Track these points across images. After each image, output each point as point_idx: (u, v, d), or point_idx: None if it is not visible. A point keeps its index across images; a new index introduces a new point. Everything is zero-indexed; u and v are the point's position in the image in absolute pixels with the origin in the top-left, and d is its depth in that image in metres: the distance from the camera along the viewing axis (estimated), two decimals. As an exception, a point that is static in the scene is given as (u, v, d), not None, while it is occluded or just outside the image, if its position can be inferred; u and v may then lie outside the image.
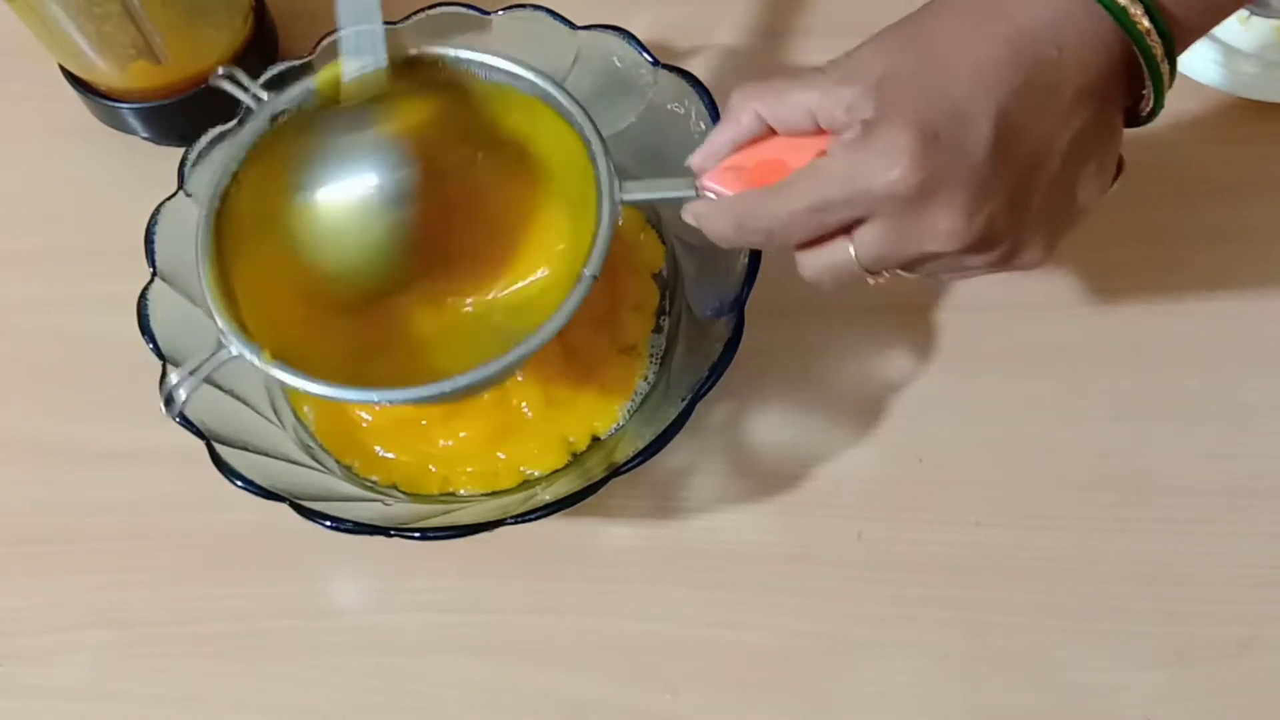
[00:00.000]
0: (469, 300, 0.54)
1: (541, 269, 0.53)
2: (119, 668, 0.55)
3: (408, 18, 0.57)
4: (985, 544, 0.55)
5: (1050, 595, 0.54)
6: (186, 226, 0.54)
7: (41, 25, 0.58)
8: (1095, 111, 0.43)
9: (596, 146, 0.50)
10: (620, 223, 0.49)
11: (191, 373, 0.47)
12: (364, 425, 0.57)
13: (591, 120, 0.50)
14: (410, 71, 0.52)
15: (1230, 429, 0.57)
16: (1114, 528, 0.55)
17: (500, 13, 0.58)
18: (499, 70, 0.52)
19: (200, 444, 0.50)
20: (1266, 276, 0.60)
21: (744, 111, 0.46)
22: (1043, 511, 0.56)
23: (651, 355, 0.58)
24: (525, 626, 0.55)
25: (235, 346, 0.48)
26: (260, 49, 0.64)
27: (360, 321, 0.53)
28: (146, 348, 0.52)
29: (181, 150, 0.55)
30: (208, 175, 0.52)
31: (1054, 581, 0.54)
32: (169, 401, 0.48)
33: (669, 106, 0.57)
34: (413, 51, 0.51)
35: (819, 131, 0.45)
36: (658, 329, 0.59)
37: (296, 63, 0.53)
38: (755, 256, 0.53)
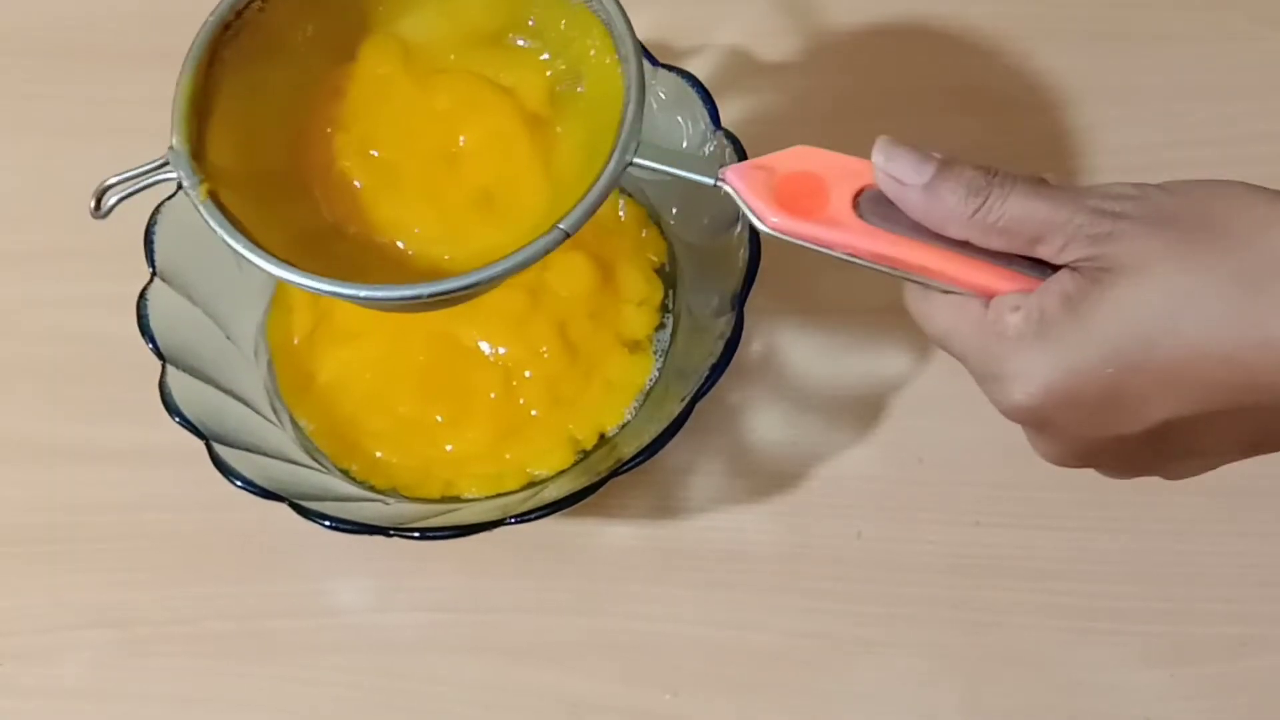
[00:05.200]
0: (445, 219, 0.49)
1: (530, 203, 0.48)
2: (119, 668, 0.55)
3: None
4: (985, 544, 0.55)
5: (1050, 595, 0.54)
6: (187, 226, 0.54)
7: None
8: (1273, 429, 0.37)
9: (634, 94, 0.44)
10: (618, 185, 0.44)
11: (125, 181, 0.44)
12: (366, 431, 0.56)
13: (641, 69, 0.45)
14: None
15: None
16: (1114, 528, 0.55)
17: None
18: None
19: (200, 444, 0.50)
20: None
21: (951, 184, 0.38)
22: (1043, 511, 0.55)
23: (657, 352, 0.58)
24: (525, 626, 0.55)
25: (178, 167, 0.44)
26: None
27: (322, 205, 0.48)
28: (146, 348, 0.52)
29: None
30: None
31: (1054, 581, 0.54)
32: (97, 205, 0.44)
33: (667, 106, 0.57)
34: None
35: (1019, 254, 0.38)
36: (661, 325, 0.59)
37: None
38: (755, 256, 0.53)
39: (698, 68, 0.61)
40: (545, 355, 0.56)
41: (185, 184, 0.44)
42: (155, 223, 0.54)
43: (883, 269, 0.39)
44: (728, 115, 0.56)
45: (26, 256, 0.63)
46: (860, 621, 0.54)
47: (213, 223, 0.43)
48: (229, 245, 0.43)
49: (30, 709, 0.54)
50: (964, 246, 0.38)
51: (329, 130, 0.49)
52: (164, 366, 0.52)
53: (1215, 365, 0.34)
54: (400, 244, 0.47)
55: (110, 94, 0.67)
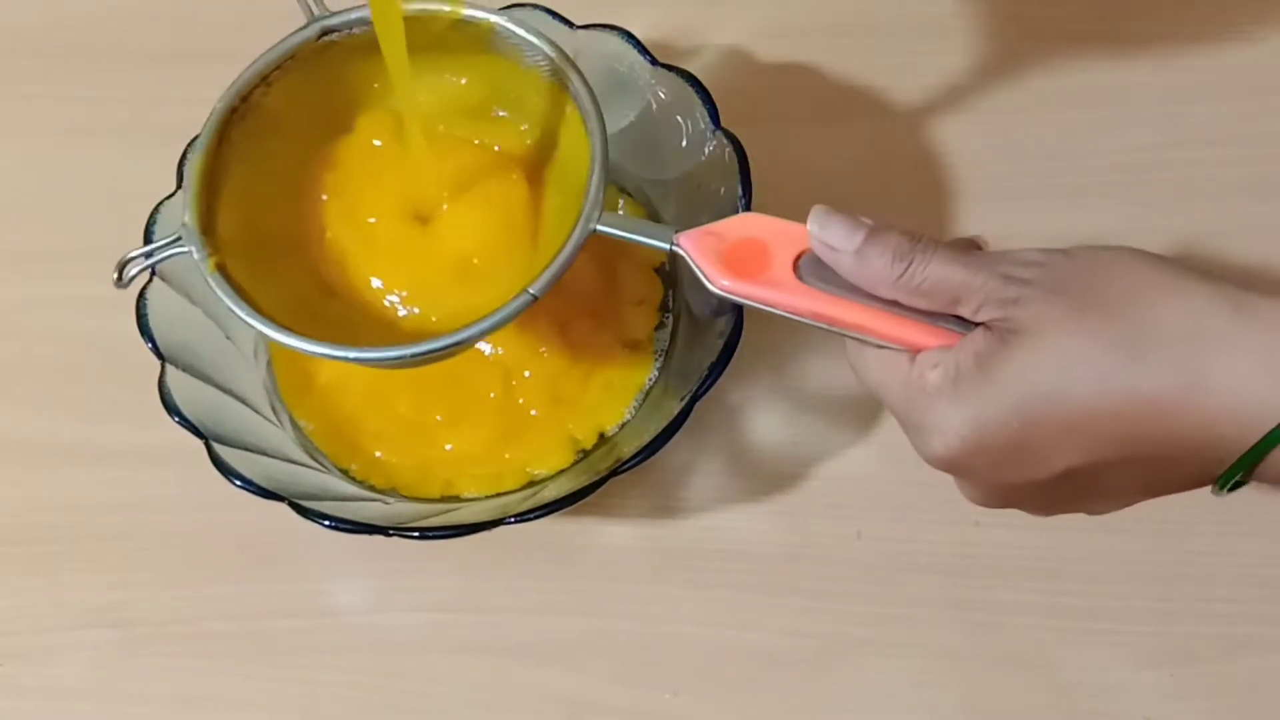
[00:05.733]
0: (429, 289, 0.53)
1: (507, 270, 0.51)
2: (119, 668, 0.55)
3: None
4: (985, 544, 0.55)
5: (1050, 595, 0.54)
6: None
7: None
8: (1163, 476, 0.40)
9: (598, 166, 0.49)
10: (580, 251, 0.48)
11: (145, 254, 0.48)
12: (366, 432, 0.57)
13: (605, 142, 0.49)
14: (459, 30, 0.52)
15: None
16: (1113, 528, 0.55)
17: (499, 12, 0.58)
18: (545, 56, 0.51)
19: (200, 444, 0.50)
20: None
21: (878, 250, 0.41)
22: (1043, 511, 0.55)
23: (656, 351, 0.58)
24: (525, 626, 0.55)
25: (189, 242, 0.48)
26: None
27: (317, 269, 0.53)
28: (146, 347, 0.52)
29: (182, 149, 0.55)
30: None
31: (1054, 581, 0.54)
32: (119, 278, 0.48)
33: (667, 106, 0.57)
34: (465, 13, 0.51)
35: (942, 312, 0.41)
36: (661, 325, 0.59)
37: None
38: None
39: (698, 68, 0.61)
40: (545, 355, 0.56)
41: (196, 257, 0.48)
42: (155, 222, 0.54)
43: (822, 326, 0.43)
44: (727, 115, 0.56)
45: (26, 256, 0.63)
46: (860, 621, 0.54)
47: (220, 293, 0.47)
48: (234, 312, 0.47)
49: (30, 709, 0.54)
50: (894, 305, 0.42)
51: (324, 198, 0.53)
52: (163, 366, 0.52)
53: (1105, 420, 0.37)
54: (388, 305, 0.51)
55: (110, 94, 0.67)
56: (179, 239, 0.48)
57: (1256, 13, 0.66)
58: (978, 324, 0.40)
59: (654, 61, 0.56)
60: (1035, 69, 0.65)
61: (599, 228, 0.47)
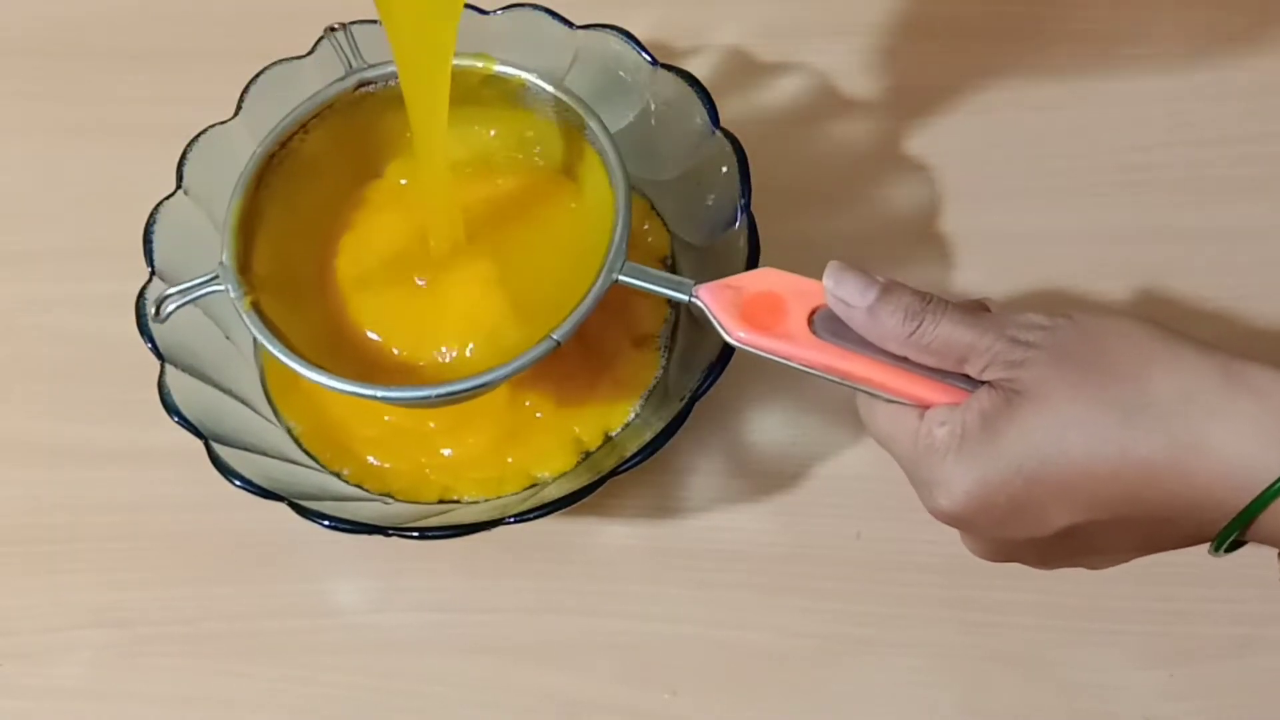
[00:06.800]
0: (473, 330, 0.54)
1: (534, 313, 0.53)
2: (118, 668, 0.55)
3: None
4: (985, 544, 0.55)
5: (1050, 595, 0.54)
6: (186, 226, 0.55)
7: None
8: (1159, 535, 0.41)
9: (622, 219, 0.51)
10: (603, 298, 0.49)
11: (182, 292, 0.50)
12: (356, 436, 0.56)
13: (629, 194, 0.51)
14: (489, 85, 0.55)
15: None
16: (1114, 527, 0.55)
17: (499, 12, 0.58)
18: (573, 113, 0.54)
19: (199, 444, 0.50)
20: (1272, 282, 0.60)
21: (890, 308, 0.42)
22: (1043, 511, 0.55)
23: (661, 348, 0.58)
24: (524, 626, 0.55)
25: (226, 280, 0.50)
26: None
27: (343, 305, 0.55)
28: (146, 347, 0.52)
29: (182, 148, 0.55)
30: (207, 172, 0.54)
31: (1053, 581, 0.54)
32: (155, 313, 0.51)
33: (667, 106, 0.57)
34: (497, 69, 0.54)
35: (950, 370, 0.42)
36: (665, 321, 0.58)
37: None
38: (753, 256, 0.53)
39: (698, 68, 0.61)
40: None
41: (232, 295, 0.50)
42: (154, 222, 0.54)
43: (834, 379, 0.44)
44: (727, 115, 0.56)
45: (26, 256, 0.63)
46: (860, 621, 0.54)
47: (254, 330, 0.50)
48: (269, 350, 0.49)
49: (30, 709, 0.54)
50: (904, 361, 0.43)
51: (351, 240, 0.55)
52: (163, 366, 0.52)
53: (1101, 481, 0.39)
54: (410, 346, 0.53)
55: (110, 94, 0.67)
56: (215, 277, 0.50)
57: (1257, 12, 0.66)
58: (983, 382, 0.42)
59: (654, 61, 0.56)
60: (1035, 69, 0.65)
61: (621, 278, 0.49)
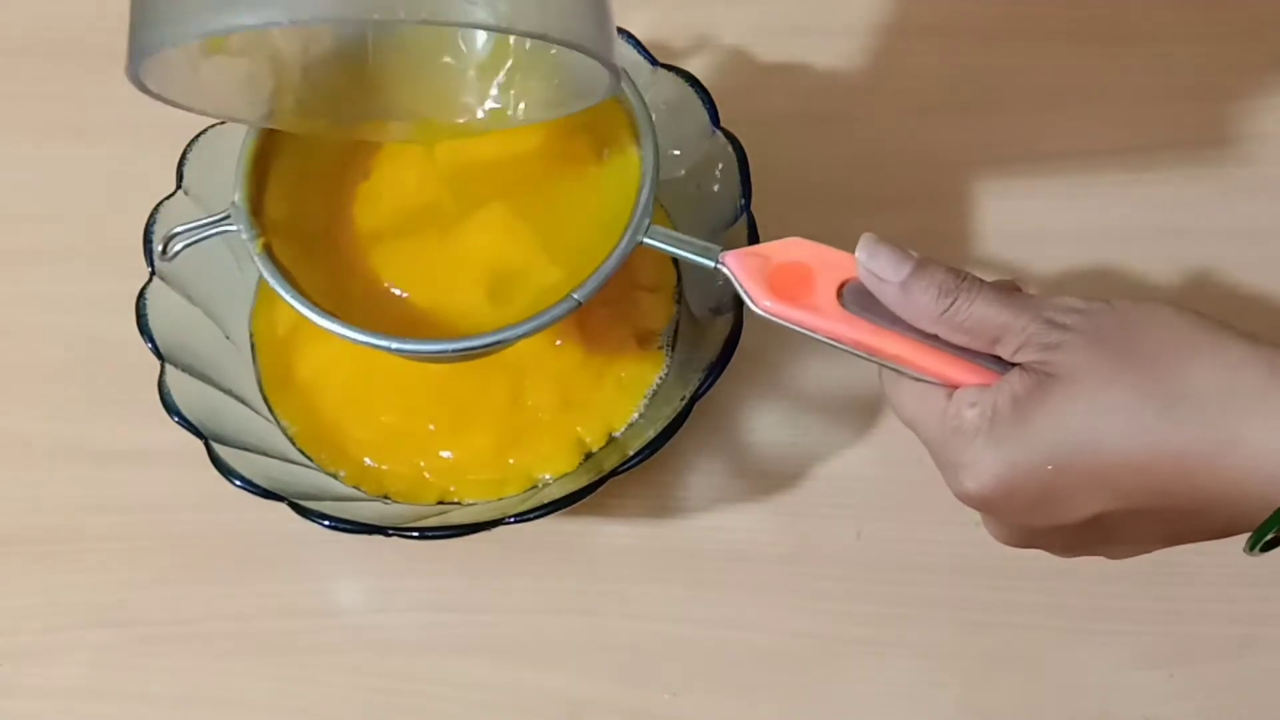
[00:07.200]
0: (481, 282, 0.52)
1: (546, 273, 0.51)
2: (119, 668, 0.55)
3: (407, 17, 0.57)
4: (985, 544, 0.54)
5: (1050, 595, 0.54)
6: (186, 226, 0.54)
7: None
8: (1187, 527, 0.41)
9: (649, 179, 0.49)
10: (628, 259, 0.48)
11: (191, 230, 0.48)
12: (351, 438, 0.56)
13: (656, 154, 0.50)
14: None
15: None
16: (1114, 527, 0.55)
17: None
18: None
19: (199, 444, 0.50)
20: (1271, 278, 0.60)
21: (924, 284, 0.42)
22: (1043, 511, 0.55)
23: (665, 346, 0.57)
24: (524, 626, 0.55)
25: (238, 221, 0.48)
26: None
27: (356, 254, 0.53)
28: (146, 347, 0.52)
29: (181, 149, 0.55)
30: (207, 172, 0.53)
31: (1053, 581, 0.54)
32: (164, 250, 0.49)
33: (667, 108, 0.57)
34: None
35: (981, 350, 0.42)
36: (670, 319, 0.58)
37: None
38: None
39: (698, 68, 0.61)
40: (560, 349, 0.56)
41: (245, 236, 0.48)
42: (154, 222, 0.54)
43: (861, 354, 0.43)
44: (727, 115, 0.56)
45: (26, 256, 0.63)
46: (860, 621, 0.54)
47: (266, 273, 0.48)
48: (280, 294, 0.47)
49: (30, 709, 0.54)
50: (934, 339, 0.42)
51: (370, 189, 0.53)
52: (163, 366, 0.52)
53: (1132, 472, 0.38)
54: (423, 299, 0.51)
55: (110, 94, 0.67)
56: (227, 216, 0.48)
57: (1258, 12, 0.66)
58: (1015, 364, 0.41)
59: (654, 62, 0.56)
60: (1036, 68, 0.65)
61: (646, 240, 0.47)
